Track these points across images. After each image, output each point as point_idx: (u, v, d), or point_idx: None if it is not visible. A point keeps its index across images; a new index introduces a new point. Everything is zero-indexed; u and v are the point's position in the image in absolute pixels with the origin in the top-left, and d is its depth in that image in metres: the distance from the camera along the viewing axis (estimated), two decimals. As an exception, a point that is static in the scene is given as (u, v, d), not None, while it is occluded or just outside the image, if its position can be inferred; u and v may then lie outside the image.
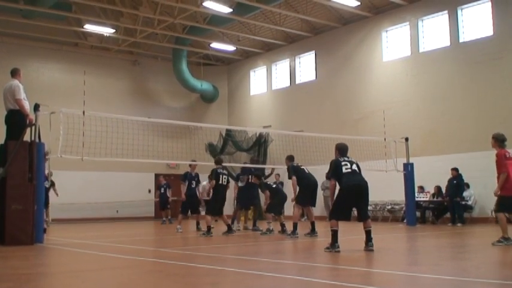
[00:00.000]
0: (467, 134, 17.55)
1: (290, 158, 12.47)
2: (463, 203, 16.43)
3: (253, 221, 14.86)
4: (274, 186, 13.94)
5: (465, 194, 16.62)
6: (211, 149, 23.51)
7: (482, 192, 16.21)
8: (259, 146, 23.36)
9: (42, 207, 10.40)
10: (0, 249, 9.12)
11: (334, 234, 8.13)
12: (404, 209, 17.62)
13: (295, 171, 11.85)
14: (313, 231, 11.68)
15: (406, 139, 16.98)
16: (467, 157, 17.02)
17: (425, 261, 7.38)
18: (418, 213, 17.33)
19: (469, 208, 16.66)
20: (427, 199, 17.57)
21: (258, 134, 23.43)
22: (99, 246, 10.21)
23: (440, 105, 18.57)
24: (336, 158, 8.64)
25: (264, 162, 22.58)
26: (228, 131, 23.77)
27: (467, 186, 16.68)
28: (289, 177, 11.89)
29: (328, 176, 8.94)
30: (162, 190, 19.36)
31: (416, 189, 17.11)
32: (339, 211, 8.30)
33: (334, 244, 8.09)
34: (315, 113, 22.78)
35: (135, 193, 23.01)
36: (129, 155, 14.20)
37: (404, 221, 17.05)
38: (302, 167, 12.10)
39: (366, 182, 8.35)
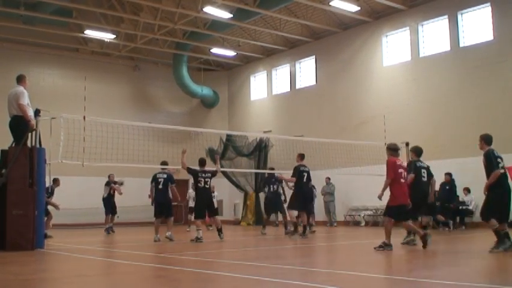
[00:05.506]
0: (468, 138, 17.46)
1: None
2: (464, 207, 16.44)
3: (284, 225, 14.88)
4: None
5: (466, 198, 16.63)
6: (211, 154, 23.45)
7: (483, 196, 16.12)
8: (260, 151, 23.34)
9: (42, 212, 10.38)
10: (0, 254, 9.10)
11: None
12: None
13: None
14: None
15: (407, 144, 16.91)
16: (468, 161, 16.93)
17: (425, 266, 7.37)
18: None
19: (470, 213, 16.63)
20: (429, 204, 17.52)
21: (258, 139, 23.42)
22: (99, 252, 10.20)
23: (440, 109, 18.57)
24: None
25: (264, 167, 22.56)
26: (228, 136, 23.75)
27: (468, 191, 16.66)
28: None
29: None
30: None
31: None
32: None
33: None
34: (315, 118, 22.77)
35: (136, 198, 22.95)
36: (130, 161, 14.20)
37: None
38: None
39: None
